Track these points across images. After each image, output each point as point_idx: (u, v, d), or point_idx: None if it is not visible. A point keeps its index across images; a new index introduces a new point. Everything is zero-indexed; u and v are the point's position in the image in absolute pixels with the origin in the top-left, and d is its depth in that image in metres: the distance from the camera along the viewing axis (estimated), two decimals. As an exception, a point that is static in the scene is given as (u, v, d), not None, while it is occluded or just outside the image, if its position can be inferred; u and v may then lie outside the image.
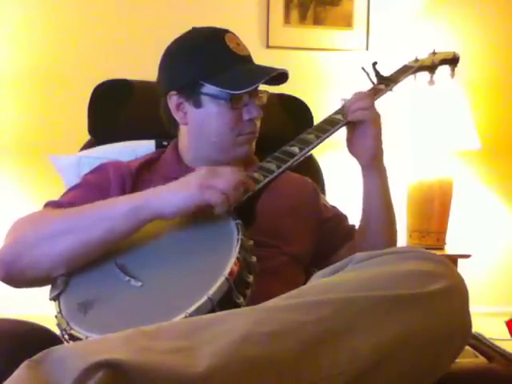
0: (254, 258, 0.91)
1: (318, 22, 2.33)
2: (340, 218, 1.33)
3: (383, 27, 2.35)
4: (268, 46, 2.30)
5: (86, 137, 1.55)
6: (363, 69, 1.29)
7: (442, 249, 2.13)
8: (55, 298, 0.93)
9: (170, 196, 0.93)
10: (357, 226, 1.28)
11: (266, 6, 2.30)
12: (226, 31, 1.16)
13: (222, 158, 1.16)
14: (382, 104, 1.25)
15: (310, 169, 1.52)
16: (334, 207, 1.34)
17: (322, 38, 2.33)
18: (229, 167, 0.98)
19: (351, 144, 1.20)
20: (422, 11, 2.36)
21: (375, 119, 1.16)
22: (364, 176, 1.21)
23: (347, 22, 2.34)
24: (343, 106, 1.20)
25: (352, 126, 1.18)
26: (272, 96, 1.22)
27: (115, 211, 0.94)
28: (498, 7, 2.40)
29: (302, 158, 1.11)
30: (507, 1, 2.41)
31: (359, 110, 1.16)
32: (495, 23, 2.40)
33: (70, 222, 0.97)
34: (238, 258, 0.87)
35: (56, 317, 0.91)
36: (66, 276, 0.96)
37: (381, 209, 1.21)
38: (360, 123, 1.16)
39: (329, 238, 1.28)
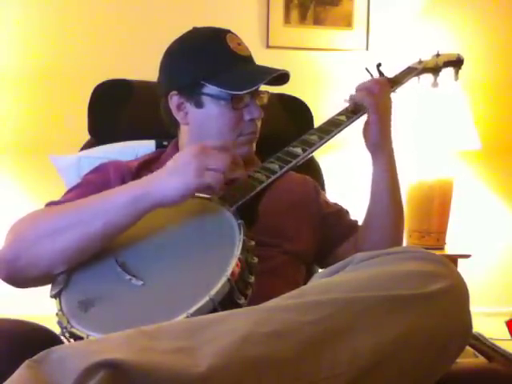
0: (256, 259, 0.91)
1: (318, 22, 2.33)
2: (341, 212, 1.32)
3: (383, 27, 2.35)
4: (268, 46, 2.30)
5: (86, 137, 1.55)
6: (367, 70, 1.28)
7: (442, 249, 2.13)
8: (56, 296, 0.93)
9: (169, 184, 0.92)
10: (361, 223, 1.27)
11: (266, 6, 2.30)
12: (227, 31, 1.16)
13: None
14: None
15: (310, 169, 1.52)
16: (335, 203, 1.34)
17: (322, 38, 2.33)
18: (215, 143, 0.96)
19: (363, 133, 1.21)
20: (423, 11, 2.36)
21: (373, 102, 1.16)
22: (372, 164, 1.21)
23: (347, 21, 2.34)
24: (346, 107, 1.20)
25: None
26: (272, 96, 1.22)
27: (114, 203, 0.94)
28: (497, 7, 2.40)
29: (304, 159, 1.11)
30: (508, 1, 2.41)
31: (359, 92, 1.18)
32: (495, 23, 2.40)
33: (70, 218, 0.96)
34: (239, 259, 0.86)
35: (57, 314, 0.90)
36: (68, 273, 0.96)
37: (386, 201, 1.20)
38: (364, 110, 1.17)
39: (331, 233, 1.28)
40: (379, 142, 1.19)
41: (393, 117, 1.21)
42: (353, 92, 1.21)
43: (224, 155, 0.93)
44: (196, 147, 0.94)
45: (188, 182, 0.91)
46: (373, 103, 1.16)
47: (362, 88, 1.20)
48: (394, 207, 1.21)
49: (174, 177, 0.92)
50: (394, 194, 1.21)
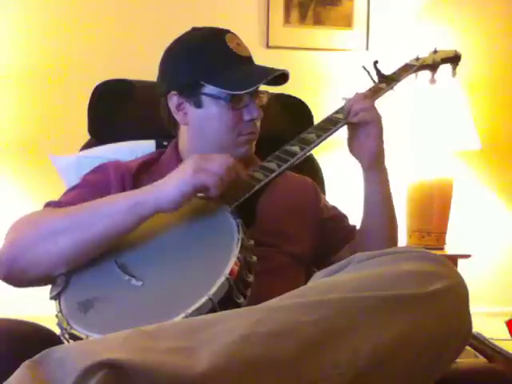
0: (255, 258, 0.92)
1: (318, 22, 2.33)
2: (340, 217, 1.33)
3: (383, 27, 2.35)
4: (268, 46, 2.30)
5: (86, 137, 1.55)
6: (364, 68, 1.28)
7: (442, 249, 2.13)
8: (56, 297, 0.93)
9: (166, 187, 0.94)
10: (358, 227, 1.28)
11: (266, 6, 2.30)
12: (227, 31, 1.16)
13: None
14: (381, 103, 1.25)
15: (310, 169, 1.52)
16: (334, 207, 1.34)
17: (322, 38, 2.33)
18: (220, 154, 0.98)
19: (353, 145, 1.20)
20: (422, 11, 2.36)
21: (378, 119, 1.17)
22: (365, 178, 1.20)
23: (347, 22, 2.34)
24: (344, 105, 1.20)
25: (353, 126, 1.18)
26: (272, 96, 1.22)
27: (115, 207, 0.95)
28: (497, 7, 2.40)
29: (302, 158, 1.11)
30: (508, 1, 2.41)
31: (362, 112, 1.16)
32: (495, 23, 2.40)
33: (71, 220, 0.97)
34: (238, 258, 0.87)
35: (56, 316, 0.91)
36: (67, 275, 0.96)
37: (382, 211, 1.21)
38: (363, 124, 1.16)
39: (329, 238, 1.28)
40: (381, 155, 1.19)
41: (389, 120, 1.21)
42: (347, 97, 1.21)
43: (223, 159, 0.95)
44: (198, 155, 0.96)
45: (183, 183, 0.92)
46: (374, 118, 1.16)
47: (356, 109, 1.17)
48: (388, 219, 1.23)
49: (172, 180, 0.94)
50: (389, 207, 1.22)
